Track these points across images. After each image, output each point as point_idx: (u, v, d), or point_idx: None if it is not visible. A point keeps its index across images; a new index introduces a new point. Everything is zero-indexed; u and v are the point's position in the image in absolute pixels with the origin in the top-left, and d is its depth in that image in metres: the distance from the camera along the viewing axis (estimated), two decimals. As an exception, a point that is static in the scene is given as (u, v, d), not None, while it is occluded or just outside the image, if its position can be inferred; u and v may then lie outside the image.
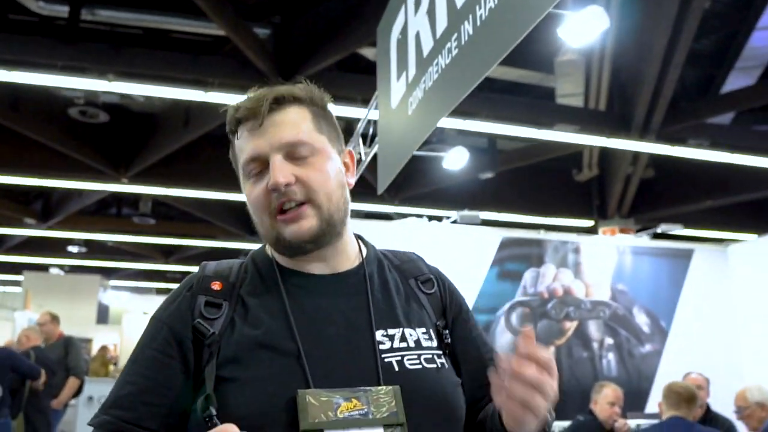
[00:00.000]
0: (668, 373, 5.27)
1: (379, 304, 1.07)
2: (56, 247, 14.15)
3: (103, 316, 16.46)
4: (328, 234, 1.05)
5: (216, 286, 1.04)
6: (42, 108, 8.02)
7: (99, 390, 8.26)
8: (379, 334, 1.03)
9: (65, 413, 6.47)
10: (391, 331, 1.04)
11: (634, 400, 5.00)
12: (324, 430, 0.90)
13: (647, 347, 5.44)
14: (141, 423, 0.96)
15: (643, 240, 6.16)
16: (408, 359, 1.02)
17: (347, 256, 1.12)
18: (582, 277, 5.36)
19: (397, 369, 1.00)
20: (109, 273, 17.33)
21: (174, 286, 1.12)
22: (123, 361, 10.31)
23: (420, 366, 1.02)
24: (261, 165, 1.05)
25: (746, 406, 3.75)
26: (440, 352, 1.07)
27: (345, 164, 1.13)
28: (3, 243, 14.05)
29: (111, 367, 10.39)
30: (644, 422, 4.42)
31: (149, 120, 8.81)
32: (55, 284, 15.11)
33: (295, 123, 1.06)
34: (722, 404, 4.57)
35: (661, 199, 10.04)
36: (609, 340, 5.32)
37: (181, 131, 8.15)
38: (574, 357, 5.18)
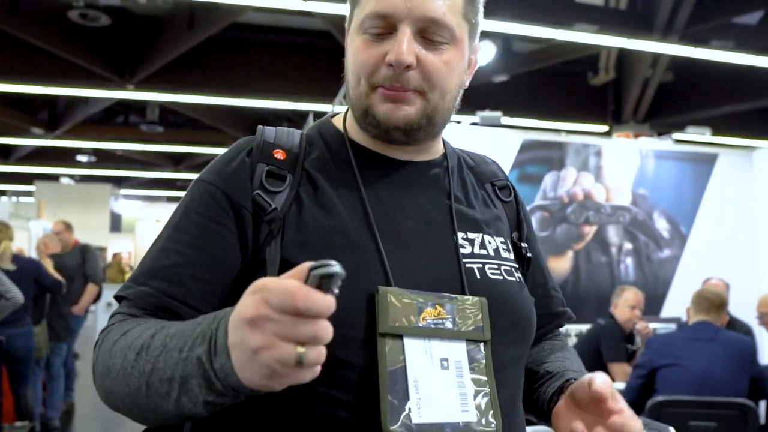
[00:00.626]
0: (686, 278, 5.26)
1: (459, 203, 0.95)
2: (65, 157, 14.09)
3: (116, 224, 16.63)
4: (423, 131, 0.91)
5: (279, 155, 0.89)
6: (41, 12, 7.72)
7: (117, 296, 8.43)
8: (459, 237, 0.91)
9: (86, 319, 6.60)
10: (471, 235, 0.92)
11: (650, 305, 5.02)
12: (404, 336, 0.79)
13: (666, 252, 5.41)
14: (189, 301, 0.81)
15: (667, 144, 5.99)
16: (489, 268, 0.91)
17: (432, 150, 0.99)
18: (603, 180, 5.26)
19: (479, 277, 0.89)
20: (119, 182, 17.37)
21: (184, 194, 0.94)
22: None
23: (501, 277, 0.91)
24: (386, 28, 0.86)
25: (768, 312, 3.75)
26: (517, 266, 0.97)
27: (470, 60, 0.96)
28: (13, 153, 14.00)
29: (127, 274, 10.57)
30: (660, 326, 4.45)
31: (153, 23, 8.49)
32: (66, 194, 15.17)
33: None
34: (740, 309, 4.59)
35: (678, 104, 9.79)
36: (628, 245, 5.28)
37: (186, 35, 7.87)
38: (593, 261, 5.16)
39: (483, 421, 0.80)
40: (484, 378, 0.82)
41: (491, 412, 0.81)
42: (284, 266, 0.80)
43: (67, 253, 5.89)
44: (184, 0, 6.84)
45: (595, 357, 3.92)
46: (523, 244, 1.01)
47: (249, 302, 0.60)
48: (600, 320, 4.14)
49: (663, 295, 5.35)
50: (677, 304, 5.03)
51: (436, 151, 1.00)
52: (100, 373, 0.78)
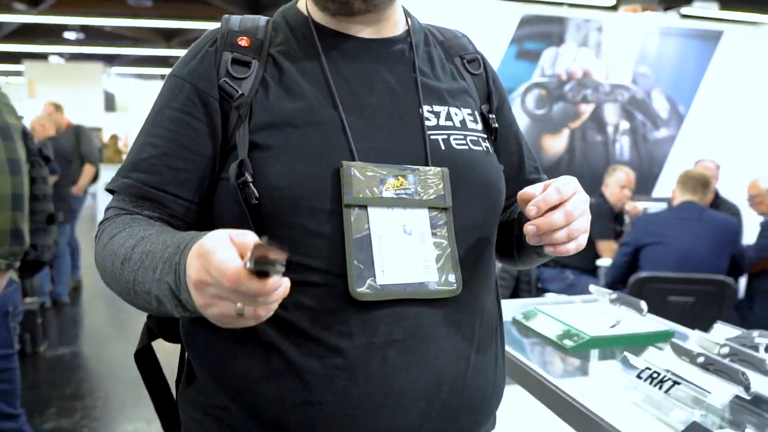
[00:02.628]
0: (680, 158, 5.27)
1: (424, 77, 0.97)
2: (53, 34, 13.63)
3: (110, 104, 16.42)
4: None
5: (243, 42, 0.91)
6: None
7: (115, 177, 8.49)
8: (424, 110, 0.93)
9: (86, 199, 6.68)
10: (436, 108, 0.95)
11: (642, 184, 5.06)
12: (368, 206, 0.84)
13: (662, 132, 5.37)
14: (166, 188, 0.87)
15: (672, 18, 5.78)
16: (454, 139, 0.93)
17: (394, 23, 0.99)
18: (603, 57, 5.12)
19: (443, 148, 0.92)
20: (111, 60, 16.93)
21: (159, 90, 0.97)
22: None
23: (467, 147, 0.94)
24: None
25: (757, 194, 3.80)
26: (485, 136, 0.99)
27: None
28: (-3, 30, 13.53)
29: (124, 154, 10.57)
30: (651, 205, 4.52)
31: None
32: (57, 73, 14.86)
33: None
34: (731, 191, 4.64)
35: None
36: (625, 125, 5.23)
37: None
38: (588, 140, 5.14)
39: (443, 280, 0.87)
40: (446, 242, 0.88)
41: (452, 273, 0.88)
42: (252, 147, 0.85)
43: (61, 135, 5.85)
44: None
45: (583, 235, 4.00)
46: (491, 116, 1.02)
47: (194, 266, 0.66)
48: (590, 199, 4.18)
49: (656, 175, 5.38)
50: (670, 184, 5.08)
51: (400, 27, 1.00)
52: (99, 268, 0.88)
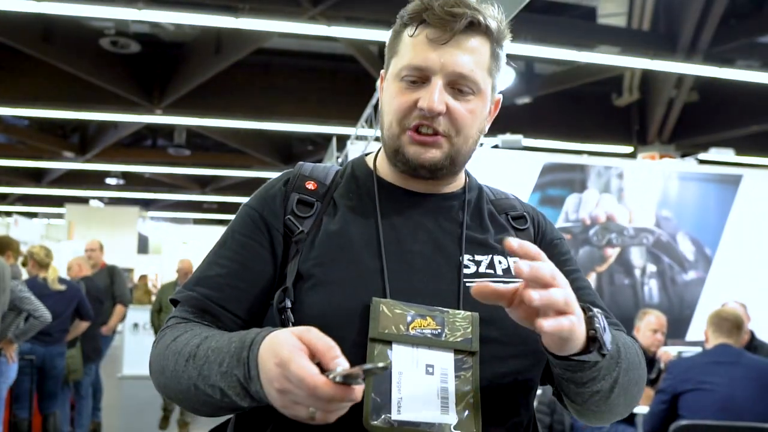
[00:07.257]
0: (711, 300, 5.20)
1: (470, 230, 1.04)
2: (95, 180, 14.41)
3: (143, 246, 16.90)
4: (447, 169, 1.02)
5: (311, 185, 1.04)
6: (73, 39, 7.97)
7: (143, 317, 8.55)
8: (465, 258, 0.99)
9: (113, 339, 6.70)
10: (478, 257, 1.00)
11: (675, 328, 4.97)
12: (393, 342, 0.88)
13: (691, 274, 5.35)
14: (226, 305, 0.96)
15: (691, 165, 5.96)
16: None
17: (453, 184, 1.09)
18: (625, 203, 5.24)
19: None
20: (147, 204, 17.66)
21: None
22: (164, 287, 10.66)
23: None
24: (420, 78, 0.98)
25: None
26: None
27: (490, 109, 1.07)
28: (44, 176, 14.34)
29: (153, 296, 10.69)
30: (685, 349, 4.40)
31: (180, 49, 8.71)
32: (96, 216, 15.50)
33: (474, 56, 0.98)
34: (765, 333, 4.51)
35: (703, 125, 9.69)
36: (652, 267, 5.23)
37: (213, 59, 8.05)
38: (616, 284, 5.13)
39: (461, 423, 0.86)
40: (469, 386, 0.89)
41: (472, 418, 0.87)
42: (298, 278, 0.94)
43: (96, 275, 6.00)
44: (211, 26, 7.01)
45: (617, 381, 3.86)
46: None
47: (275, 374, 0.74)
48: (622, 343, 4.09)
49: (688, 318, 5.29)
50: (703, 327, 4.96)
51: (457, 184, 1.10)
52: (156, 370, 0.95)
